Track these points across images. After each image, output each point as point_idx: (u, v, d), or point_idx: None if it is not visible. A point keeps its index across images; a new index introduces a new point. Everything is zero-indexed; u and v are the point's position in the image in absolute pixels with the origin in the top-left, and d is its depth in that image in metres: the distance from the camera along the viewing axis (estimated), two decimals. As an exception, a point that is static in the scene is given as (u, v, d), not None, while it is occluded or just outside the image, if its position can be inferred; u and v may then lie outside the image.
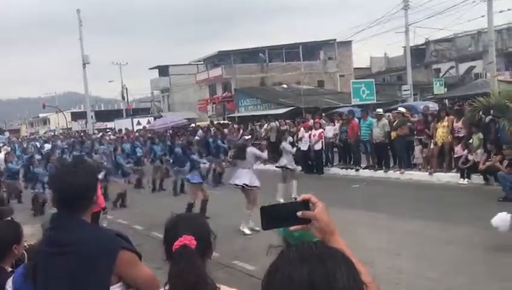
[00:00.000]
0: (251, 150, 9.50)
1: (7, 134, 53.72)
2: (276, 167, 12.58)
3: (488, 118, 12.37)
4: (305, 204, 1.36)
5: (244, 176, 9.15)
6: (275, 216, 1.35)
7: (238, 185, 9.20)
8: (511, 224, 6.71)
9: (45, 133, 56.12)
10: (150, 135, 23.46)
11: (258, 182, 9.22)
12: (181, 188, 14.13)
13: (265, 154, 10.54)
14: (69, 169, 2.24)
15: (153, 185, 15.76)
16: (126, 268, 2.05)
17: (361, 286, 1.00)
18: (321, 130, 16.49)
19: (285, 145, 12.14)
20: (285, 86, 37.87)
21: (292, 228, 1.35)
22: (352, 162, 16.10)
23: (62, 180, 2.16)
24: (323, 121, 18.09)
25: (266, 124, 20.64)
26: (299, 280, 0.95)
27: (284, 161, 11.97)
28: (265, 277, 1.01)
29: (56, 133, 47.79)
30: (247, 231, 8.80)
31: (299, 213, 1.34)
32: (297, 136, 17.05)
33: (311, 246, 1.02)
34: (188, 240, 1.80)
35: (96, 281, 1.90)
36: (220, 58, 41.73)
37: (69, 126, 55.67)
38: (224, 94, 40.54)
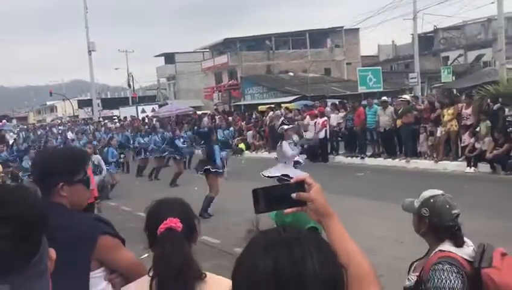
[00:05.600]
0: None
1: (14, 121, 53.93)
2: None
3: (496, 106, 12.22)
4: (300, 185, 1.29)
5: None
6: (268, 199, 1.27)
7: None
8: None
9: (52, 120, 56.34)
10: (153, 123, 23.62)
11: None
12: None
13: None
14: (50, 153, 2.21)
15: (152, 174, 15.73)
16: (106, 253, 1.99)
17: (336, 269, 0.92)
18: (325, 118, 16.41)
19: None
20: (291, 73, 37.64)
21: (287, 210, 1.28)
22: (357, 151, 15.99)
23: (42, 164, 2.12)
24: (328, 109, 17.96)
25: (272, 112, 20.51)
26: (264, 269, 0.89)
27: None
28: (234, 266, 0.95)
29: (63, 121, 47.97)
30: None
31: (293, 195, 1.27)
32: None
33: (279, 231, 0.95)
34: (173, 222, 1.74)
35: (75, 268, 1.83)
36: (225, 46, 41.51)
37: (75, 114, 55.79)
38: (230, 82, 40.37)
